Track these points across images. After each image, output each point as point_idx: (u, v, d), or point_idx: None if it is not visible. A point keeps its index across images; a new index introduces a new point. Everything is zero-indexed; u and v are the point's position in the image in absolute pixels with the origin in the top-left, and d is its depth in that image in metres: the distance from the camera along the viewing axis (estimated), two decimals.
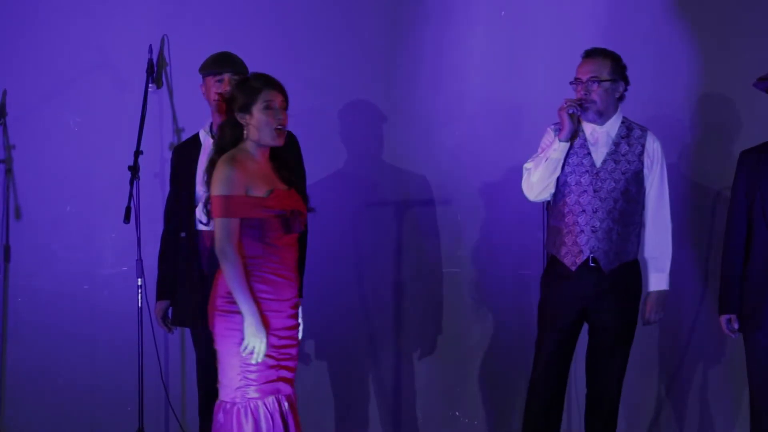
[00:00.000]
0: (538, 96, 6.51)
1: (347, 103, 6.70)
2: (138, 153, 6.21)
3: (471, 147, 6.70)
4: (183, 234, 5.79)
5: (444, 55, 6.68)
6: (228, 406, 5.03)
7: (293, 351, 5.11)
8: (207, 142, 5.71)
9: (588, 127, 5.83)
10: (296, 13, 6.67)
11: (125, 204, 6.04)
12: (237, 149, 5.04)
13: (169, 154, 6.40)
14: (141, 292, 6.23)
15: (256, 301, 4.95)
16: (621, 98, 5.82)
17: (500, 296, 6.69)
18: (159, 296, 5.91)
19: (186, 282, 5.76)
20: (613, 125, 5.80)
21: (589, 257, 5.73)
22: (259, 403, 5.00)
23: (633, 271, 5.82)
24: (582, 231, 5.76)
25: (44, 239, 6.72)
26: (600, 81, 5.74)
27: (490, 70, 6.67)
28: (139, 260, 6.23)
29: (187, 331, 6.05)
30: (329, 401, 6.74)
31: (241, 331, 4.94)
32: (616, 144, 5.78)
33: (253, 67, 5.50)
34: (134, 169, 6.15)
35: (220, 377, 5.06)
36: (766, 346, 5.60)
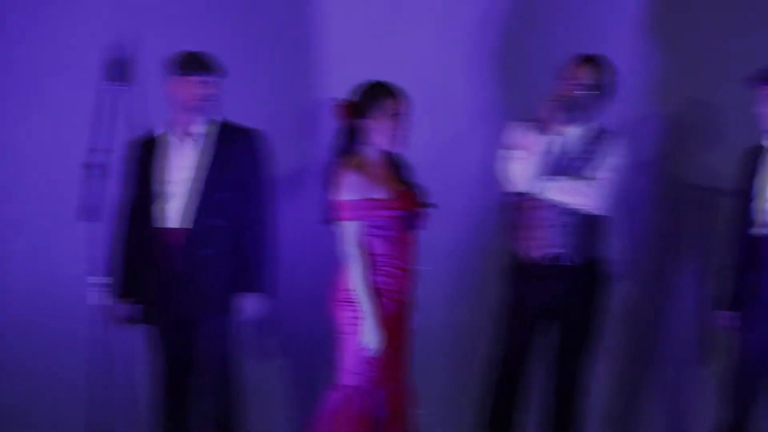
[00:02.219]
0: (504, 93, 6.51)
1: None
2: (98, 150, 6.15)
3: (434, 144, 6.68)
4: (147, 232, 5.73)
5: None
6: (348, 390, 5.35)
7: (402, 347, 5.43)
8: (173, 142, 5.70)
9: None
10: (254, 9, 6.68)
11: (87, 202, 5.99)
12: (358, 154, 5.32)
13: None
14: (96, 290, 6.17)
15: (379, 296, 5.32)
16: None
17: (465, 292, 6.70)
18: (122, 295, 5.82)
19: (155, 281, 5.71)
20: (586, 126, 5.84)
21: (560, 252, 5.73)
22: (377, 389, 5.34)
23: (601, 267, 5.85)
24: (553, 225, 5.74)
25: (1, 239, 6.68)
26: (588, 89, 5.78)
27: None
28: (97, 258, 6.18)
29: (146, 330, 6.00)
30: (294, 397, 6.72)
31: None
32: (587, 144, 5.81)
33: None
34: (89, 166, 6.09)
35: (341, 362, 5.39)
36: (750, 344, 5.65)
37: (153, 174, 5.71)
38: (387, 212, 5.31)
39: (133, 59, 6.39)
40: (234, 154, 5.72)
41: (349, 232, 5.30)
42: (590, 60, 5.85)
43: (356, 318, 5.33)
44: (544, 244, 5.77)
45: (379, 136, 5.34)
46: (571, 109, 5.75)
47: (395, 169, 5.44)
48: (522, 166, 5.74)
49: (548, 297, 5.79)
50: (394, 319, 5.37)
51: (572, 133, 5.81)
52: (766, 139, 5.64)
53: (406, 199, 5.35)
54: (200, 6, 6.66)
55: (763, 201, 5.59)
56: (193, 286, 5.66)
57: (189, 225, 5.67)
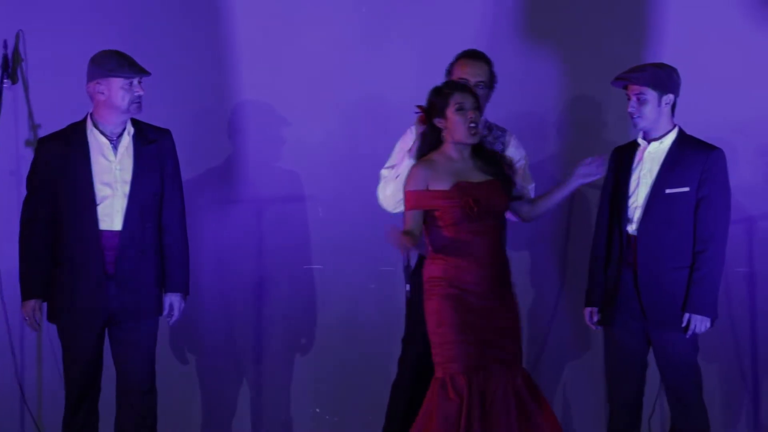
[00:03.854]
0: (408, 93, 6.51)
1: (211, 101, 6.73)
2: None
3: (336, 143, 6.73)
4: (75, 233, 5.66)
5: (315, 51, 6.72)
6: (436, 380, 5.49)
7: (497, 331, 5.49)
8: (96, 143, 5.65)
9: None
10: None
11: None
12: (437, 152, 5.60)
13: (26, 152, 6.39)
14: None
15: (441, 285, 5.51)
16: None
17: (363, 293, 6.72)
18: (29, 294, 5.73)
19: (86, 282, 5.65)
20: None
21: None
22: (460, 377, 5.42)
23: (507, 266, 5.86)
24: None
25: None
26: (485, 86, 5.84)
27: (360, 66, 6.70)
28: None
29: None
30: (195, 400, 6.72)
31: (437, 312, 5.50)
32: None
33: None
34: None
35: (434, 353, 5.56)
36: (619, 340, 5.68)
37: (77, 174, 5.65)
38: (442, 202, 5.52)
39: (19, 57, 6.42)
40: (152, 155, 5.71)
41: (407, 219, 5.57)
42: (477, 55, 5.91)
43: (430, 312, 5.54)
44: None
45: (452, 131, 5.58)
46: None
47: (483, 162, 5.62)
48: (394, 187, 5.80)
49: None
50: (456, 308, 5.49)
51: None
52: (639, 136, 5.69)
53: (467, 190, 5.53)
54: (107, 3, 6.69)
55: (635, 198, 5.63)
56: (127, 288, 5.66)
57: (119, 227, 5.66)
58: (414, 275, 5.85)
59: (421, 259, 5.85)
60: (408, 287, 5.60)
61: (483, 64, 5.93)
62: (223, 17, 6.72)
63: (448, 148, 5.62)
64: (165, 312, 5.78)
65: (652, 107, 5.58)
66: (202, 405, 6.73)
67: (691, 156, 5.57)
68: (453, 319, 5.48)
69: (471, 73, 5.87)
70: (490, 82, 5.93)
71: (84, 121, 5.73)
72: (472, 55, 5.94)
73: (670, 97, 5.60)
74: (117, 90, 5.62)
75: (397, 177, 5.80)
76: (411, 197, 5.59)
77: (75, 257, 5.66)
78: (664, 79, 5.59)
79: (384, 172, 5.91)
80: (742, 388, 6.52)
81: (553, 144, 6.66)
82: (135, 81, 5.63)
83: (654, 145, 5.64)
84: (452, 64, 5.96)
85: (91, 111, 5.72)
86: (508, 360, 5.50)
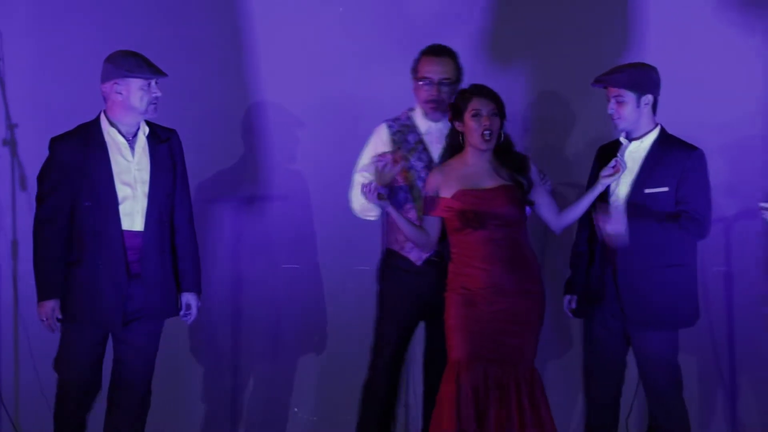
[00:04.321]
0: (381, 94, 6.54)
1: (195, 100, 6.71)
2: None
3: (311, 145, 6.73)
4: (98, 232, 5.59)
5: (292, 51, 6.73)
6: (452, 366, 5.58)
7: (500, 332, 5.54)
8: (115, 143, 5.61)
9: (423, 125, 5.87)
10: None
11: None
12: (459, 155, 5.66)
13: (3, 150, 6.40)
14: None
15: (452, 289, 5.62)
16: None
17: (340, 292, 6.72)
18: (49, 295, 5.60)
19: (108, 282, 5.59)
20: (445, 122, 5.84)
21: (435, 252, 5.78)
22: (463, 365, 5.51)
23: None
24: None
25: None
26: (450, 83, 5.80)
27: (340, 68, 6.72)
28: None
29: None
30: (165, 400, 6.68)
31: (449, 306, 5.62)
32: (450, 138, 5.82)
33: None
34: None
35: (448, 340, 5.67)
36: (598, 338, 5.70)
37: (98, 174, 5.59)
38: (445, 210, 5.60)
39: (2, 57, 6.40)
40: (165, 155, 5.69)
41: (425, 225, 5.66)
42: (441, 51, 5.86)
43: (453, 301, 5.61)
44: None
45: (468, 136, 5.61)
46: (442, 107, 5.80)
47: (506, 166, 5.63)
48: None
49: (424, 294, 5.81)
50: (464, 304, 5.57)
51: (434, 128, 5.86)
52: (621, 135, 5.70)
53: (469, 198, 5.57)
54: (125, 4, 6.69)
55: (616, 197, 5.64)
56: (150, 288, 5.63)
57: (140, 227, 5.64)
58: (380, 279, 5.91)
59: (390, 254, 5.86)
60: None
61: (448, 59, 5.85)
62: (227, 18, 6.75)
63: (467, 152, 5.65)
64: (182, 311, 5.77)
65: (631, 108, 5.60)
66: (165, 405, 6.73)
67: (671, 156, 5.59)
68: (459, 312, 5.57)
69: (435, 71, 5.82)
70: (457, 78, 5.85)
71: (97, 120, 5.67)
72: (436, 52, 5.86)
73: (649, 97, 5.61)
74: (136, 91, 5.58)
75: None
76: (424, 203, 5.70)
77: (96, 257, 5.60)
78: (642, 80, 5.61)
79: (359, 177, 5.86)
80: (720, 386, 6.55)
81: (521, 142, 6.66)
82: (152, 82, 5.60)
83: (635, 144, 5.66)
84: (417, 61, 5.88)
85: (103, 110, 5.65)
86: (513, 360, 5.53)
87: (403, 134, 5.87)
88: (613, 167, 5.51)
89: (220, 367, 6.75)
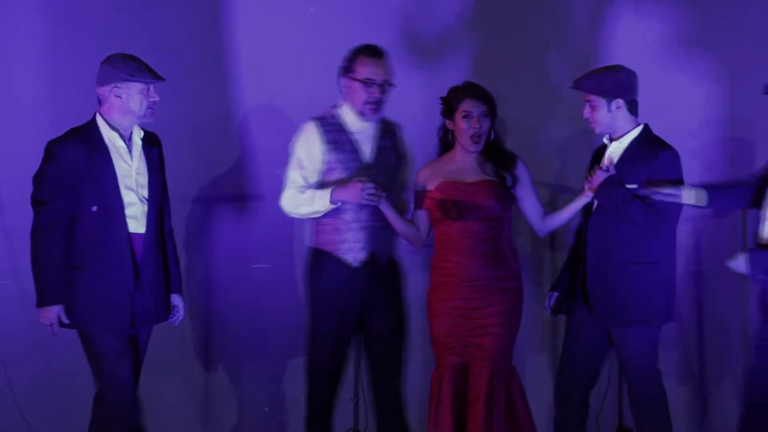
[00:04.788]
0: None
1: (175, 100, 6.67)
2: None
3: (283, 144, 6.72)
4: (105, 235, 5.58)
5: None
6: (437, 369, 5.73)
7: (476, 329, 5.62)
8: (115, 147, 5.58)
9: (355, 124, 5.87)
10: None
11: None
12: (449, 152, 5.74)
13: None
14: None
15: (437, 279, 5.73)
16: None
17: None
18: (53, 300, 5.56)
19: (117, 286, 5.58)
20: (374, 123, 5.87)
21: (370, 252, 5.81)
22: (444, 368, 5.65)
23: (397, 265, 5.99)
24: (364, 227, 5.81)
25: None
26: (390, 85, 5.81)
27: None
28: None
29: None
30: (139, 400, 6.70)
31: (429, 302, 5.76)
32: (379, 138, 5.87)
33: None
34: None
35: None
36: (573, 332, 5.78)
37: (103, 178, 5.56)
38: (428, 202, 5.70)
39: None
40: (156, 160, 5.69)
41: (415, 219, 5.78)
42: (381, 53, 5.85)
43: (433, 301, 5.72)
44: (356, 246, 5.83)
45: (459, 136, 5.67)
46: (381, 109, 5.83)
47: (491, 162, 5.70)
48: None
49: (359, 294, 5.83)
50: (445, 303, 5.66)
51: (367, 130, 5.87)
52: (605, 137, 5.77)
53: (448, 190, 5.66)
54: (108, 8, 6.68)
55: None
56: (151, 292, 5.64)
57: (143, 230, 5.63)
58: (312, 280, 5.92)
59: (320, 254, 5.87)
60: None
61: (387, 61, 5.84)
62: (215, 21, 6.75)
63: (456, 149, 5.74)
64: (176, 312, 5.82)
65: (603, 113, 5.66)
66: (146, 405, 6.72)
67: (642, 155, 5.64)
68: (436, 311, 5.68)
69: (378, 73, 5.80)
70: (393, 79, 5.84)
71: (93, 123, 5.62)
72: (376, 53, 5.84)
73: (619, 101, 5.65)
74: (135, 95, 5.57)
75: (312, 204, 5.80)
76: (414, 198, 5.80)
77: (103, 262, 5.58)
78: (609, 85, 5.65)
79: (293, 174, 5.87)
80: (688, 384, 6.60)
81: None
82: (151, 87, 5.59)
83: (614, 144, 5.73)
84: (352, 61, 5.84)
85: (98, 112, 5.62)
86: (486, 357, 5.57)
87: (332, 134, 5.86)
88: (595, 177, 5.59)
89: (191, 368, 6.76)
